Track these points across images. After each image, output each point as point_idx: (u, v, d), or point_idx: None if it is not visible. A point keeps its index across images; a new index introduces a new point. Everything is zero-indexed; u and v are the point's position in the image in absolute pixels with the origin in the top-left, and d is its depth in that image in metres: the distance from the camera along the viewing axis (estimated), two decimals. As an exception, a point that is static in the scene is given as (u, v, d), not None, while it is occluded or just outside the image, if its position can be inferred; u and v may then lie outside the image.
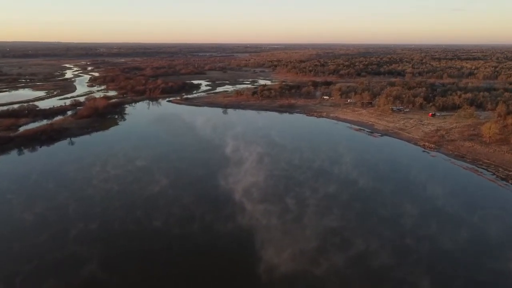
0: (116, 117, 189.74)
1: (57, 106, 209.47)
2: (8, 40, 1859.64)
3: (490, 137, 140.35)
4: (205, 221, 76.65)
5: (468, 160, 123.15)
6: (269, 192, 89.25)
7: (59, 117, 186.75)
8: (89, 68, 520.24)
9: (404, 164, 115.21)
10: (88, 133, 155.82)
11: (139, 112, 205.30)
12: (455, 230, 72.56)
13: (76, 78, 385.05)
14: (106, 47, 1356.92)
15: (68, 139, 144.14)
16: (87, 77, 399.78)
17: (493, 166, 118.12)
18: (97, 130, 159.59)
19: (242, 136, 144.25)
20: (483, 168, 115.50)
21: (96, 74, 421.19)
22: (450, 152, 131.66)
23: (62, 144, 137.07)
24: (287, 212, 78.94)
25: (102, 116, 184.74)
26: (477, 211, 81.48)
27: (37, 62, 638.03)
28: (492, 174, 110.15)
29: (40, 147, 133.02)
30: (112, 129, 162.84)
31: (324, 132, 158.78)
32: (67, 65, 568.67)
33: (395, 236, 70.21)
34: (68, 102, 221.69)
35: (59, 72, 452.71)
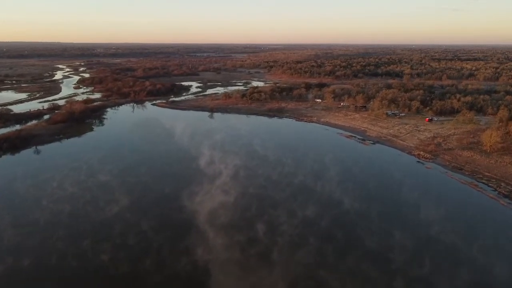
0: (94, 122, 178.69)
1: (34, 110, 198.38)
2: (7, 40, 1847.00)
3: (491, 146, 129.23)
4: (160, 255, 65.50)
5: (466, 173, 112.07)
6: (238, 216, 78.02)
7: (33, 122, 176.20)
8: (81, 69, 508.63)
9: (396, 178, 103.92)
10: (59, 140, 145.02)
11: (119, 117, 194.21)
12: (453, 268, 61.33)
13: (65, 80, 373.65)
14: (105, 47, 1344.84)
15: (34, 147, 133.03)
16: (76, 78, 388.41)
17: (494, 180, 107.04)
18: (68, 137, 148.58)
19: (221, 145, 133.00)
20: (483, 183, 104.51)
21: (87, 75, 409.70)
22: (447, 163, 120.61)
23: (26, 154, 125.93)
24: (255, 243, 67.72)
25: (78, 121, 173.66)
26: (477, 240, 70.29)
27: (31, 62, 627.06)
28: (493, 190, 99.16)
29: (0, 157, 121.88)
30: (85, 136, 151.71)
31: (312, 139, 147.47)
32: (60, 66, 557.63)
33: (381, 277, 58.81)
34: (48, 105, 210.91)
35: (49, 73, 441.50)
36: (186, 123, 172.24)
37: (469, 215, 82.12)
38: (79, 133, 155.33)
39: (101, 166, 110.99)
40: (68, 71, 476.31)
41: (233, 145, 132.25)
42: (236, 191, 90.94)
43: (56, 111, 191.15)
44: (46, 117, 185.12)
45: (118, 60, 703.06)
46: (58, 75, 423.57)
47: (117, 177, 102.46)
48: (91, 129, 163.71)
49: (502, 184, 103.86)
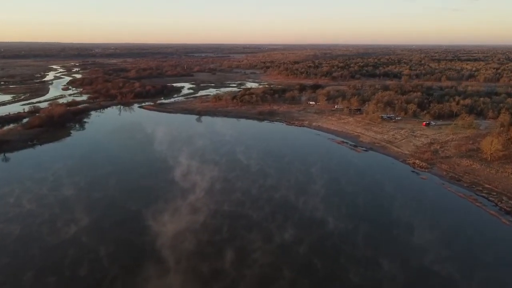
0: (74, 126, 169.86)
1: (13, 113, 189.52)
2: (6, 41, 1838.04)
3: (491, 154, 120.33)
4: (110, 290, 56.68)
5: (465, 185, 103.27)
6: (205, 241, 68.91)
7: (10, 126, 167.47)
8: (75, 70, 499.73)
9: (388, 192, 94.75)
10: (32, 146, 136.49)
11: (102, 120, 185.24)
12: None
13: (55, 81, 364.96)
14: (104, 47, 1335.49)
15: (3, 155, 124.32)
16: (68, 79, 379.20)
17: (495, 193, 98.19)
18: (42, 143, 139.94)
19: (202, 153, 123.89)
20: (483, 196, 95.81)
21: (79, 76, 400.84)
22: (444, 172, 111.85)
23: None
24: (219, 276, 58.69)
25: (57, 125, 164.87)
26: (477, 271, 61.24)
27: (26, 63, 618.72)
28: (494, 205, 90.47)
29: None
30: (60, 142, 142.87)
31: (301, 146, 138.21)
32: (54, 66, 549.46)
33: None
34: (29, 108, 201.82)
35: (40, 74, 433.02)
36: (169, 128, 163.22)
37: (467, 238, 73.03)
38: (54, 139, 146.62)
39: (68, 177, 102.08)
40: (60, 72, 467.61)
41: (215, 154, 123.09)
42: (209, 208, 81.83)
43: (37, 114, 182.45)
44: (25, 120, 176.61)
45: (114, 61, 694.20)
46: (50, 76, 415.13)
47: (82, 191, 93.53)
48: (69, 134, 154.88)
49: (504, 198, 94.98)
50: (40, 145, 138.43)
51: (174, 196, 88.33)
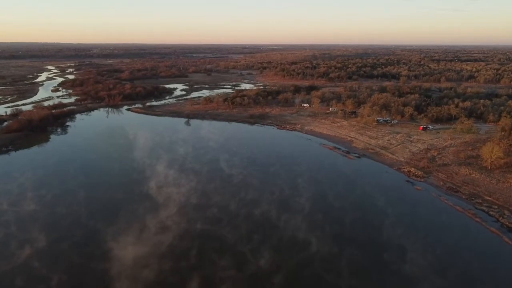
0: (56, 130, 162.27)
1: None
2: (6, 41, 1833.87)
3: (492, 162, 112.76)
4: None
5: (463, 197, 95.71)
6: (169, 268, 61.01)
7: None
8: (69, 70, 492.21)
9: (379, 207, 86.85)
10: (6, 152, 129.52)
11: (86, 124, 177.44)
12: None
13: (47, 82, 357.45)
14: (103, 48, 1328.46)
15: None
16: (59, 80, 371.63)
17: (496, 206, 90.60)
18: (17, 149, 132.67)
19: (182, 161, 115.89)
20: (483, 210, 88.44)
21: (71, 77, 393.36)
22: (441, 183, 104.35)
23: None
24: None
25: (37, 129, 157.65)
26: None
27: (20, 63, 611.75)
28: (495, 221, 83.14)
29: None
30: (36, 149, 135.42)
31: (290, 153, 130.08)
32: (49, 67, 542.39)
33: None
34: (11, 111, 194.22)
35: (32, 75, 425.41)
36: (154, 133, 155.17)
37: (465, 263, 65.17)
38: (31, 144, 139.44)
39: (35, 190, 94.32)
40: (54, 73, 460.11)
41: (196, 162, 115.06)
42: (179, 227, 73.92)
43: (19, 118, 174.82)
44: (6, 124, 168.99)
45: (110, 61, 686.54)
46: (42, 77, 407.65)
47: (46, 206, 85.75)
48: (47, 140, 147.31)
49: (506, 212, 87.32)
50: (15, 151, 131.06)
51: (144, 213, 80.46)
